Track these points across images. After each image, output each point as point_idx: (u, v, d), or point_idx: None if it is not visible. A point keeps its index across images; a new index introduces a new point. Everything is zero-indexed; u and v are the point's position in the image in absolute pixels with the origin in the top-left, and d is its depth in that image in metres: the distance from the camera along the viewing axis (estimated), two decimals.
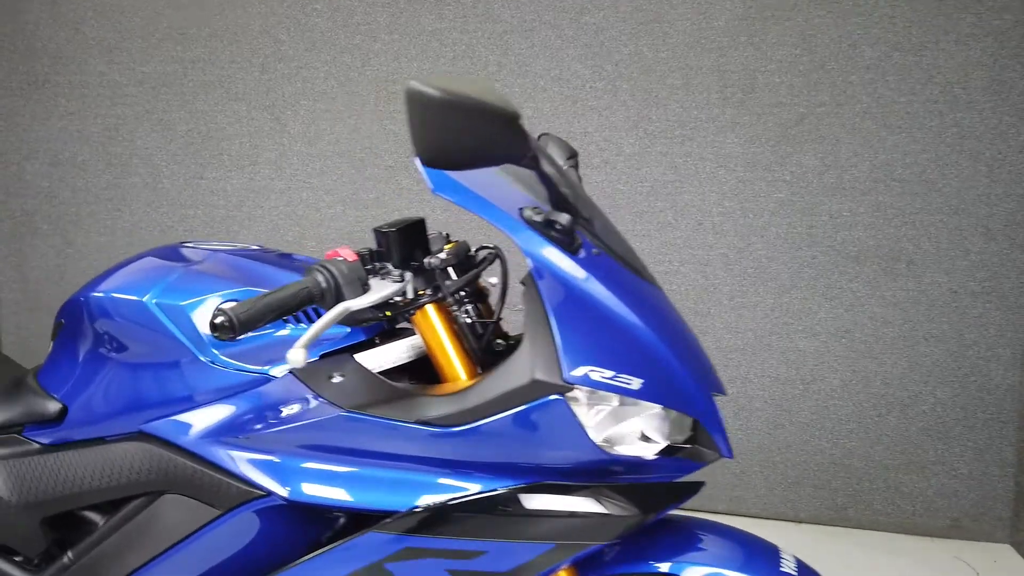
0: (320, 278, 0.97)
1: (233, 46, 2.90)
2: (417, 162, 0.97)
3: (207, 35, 2.91)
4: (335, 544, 0.97)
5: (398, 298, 1.04)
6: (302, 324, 1.12)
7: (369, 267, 1.04)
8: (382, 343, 1.13)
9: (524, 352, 0.94)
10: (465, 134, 0.87)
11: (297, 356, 0.91)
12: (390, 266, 1.04)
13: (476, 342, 1.07)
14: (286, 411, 1.01)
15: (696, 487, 1.03)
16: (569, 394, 0.93)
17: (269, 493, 0.98)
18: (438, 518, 0.93)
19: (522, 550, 0.92)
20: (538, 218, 0.98)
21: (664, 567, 1.01)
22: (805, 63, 2.55)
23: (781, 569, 1.02)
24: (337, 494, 0.97)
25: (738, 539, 1.08)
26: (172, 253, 1.21)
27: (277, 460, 0.99)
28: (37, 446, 1.14)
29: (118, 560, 1.07)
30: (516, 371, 0.94)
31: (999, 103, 2.45)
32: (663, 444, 1.00)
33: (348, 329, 1.11)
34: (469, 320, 1.08)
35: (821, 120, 2.57)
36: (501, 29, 2.72)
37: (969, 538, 2.62)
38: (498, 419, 0.93)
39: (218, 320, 0.88)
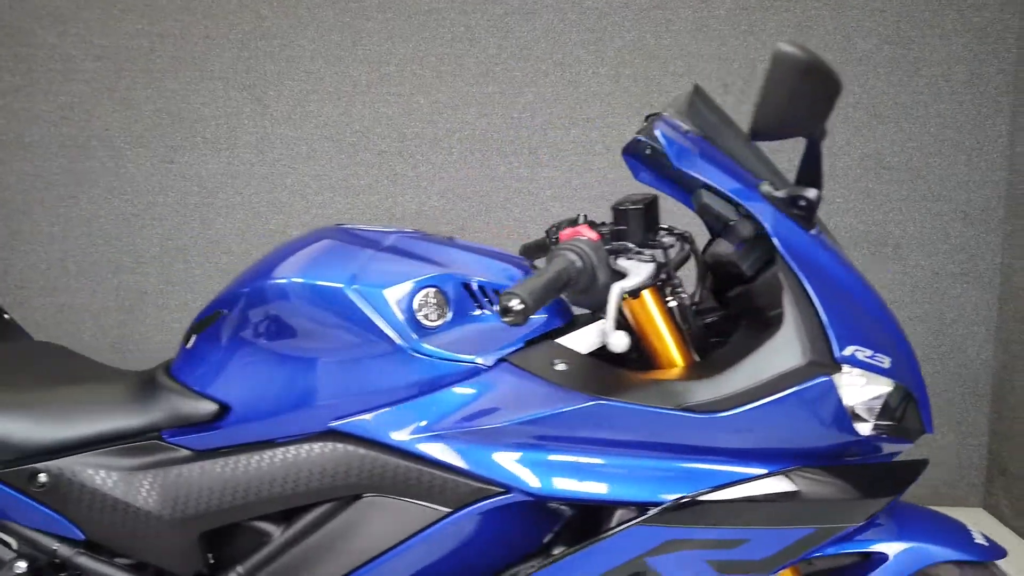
0: (573, 257, 0.91)
1: (208, 20, 2.69)
2: (660, 134, 0.93)
3: (178, 8, 2.69)
4: (595, 540, 0.91)
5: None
6: (496, 308, 1.03)
7: (609, 247, 0.98)
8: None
9: (789, 333, 0.92)
10: (808, 100, 0.85)
11: (621, 340, 0.86)
12: (630, 245, 0.98)
13: (686, 326, 1.04)
14: (514, 402, 0.94)
15: (922, 465, 1.04)
16: (835, 375, 0.92)
17: (509, 489, 0.91)
18: (701, 508, 0.90)
19: (784, 536, 0.90)
20: (779, 194, 0.96)
21: (875, 546, 1.01)
22: None
23: (976, 542, 1.05)
24: (592, 487, 0.91)
25: (926, 516, 1.10)
26: (346, 236, 1.10)
27: (520, 454, 0.92)
28: (187, 452, 1.00)
29: (309, 571, 0.96)
30: (783, 353, 0.91)
31: (977, 95, 2.61)
32: (872, 423, 1.00)
33: (545, 316, 1.04)
34: (676, 304, 1.04)
35: None
36: (501, 11, 2.66)
37: (946, 504, 2.80)
38: (767, 402, 0.90)
39: (512, 304, 0.81)
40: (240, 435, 0.98)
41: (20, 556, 1.01)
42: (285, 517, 0.99)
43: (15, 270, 2.81)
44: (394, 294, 0.97)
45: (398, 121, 2.73)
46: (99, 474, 0.99)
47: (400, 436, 0.94)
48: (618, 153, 2.72)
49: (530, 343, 1.01)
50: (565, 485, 0.91)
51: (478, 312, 1.02)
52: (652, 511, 0.90)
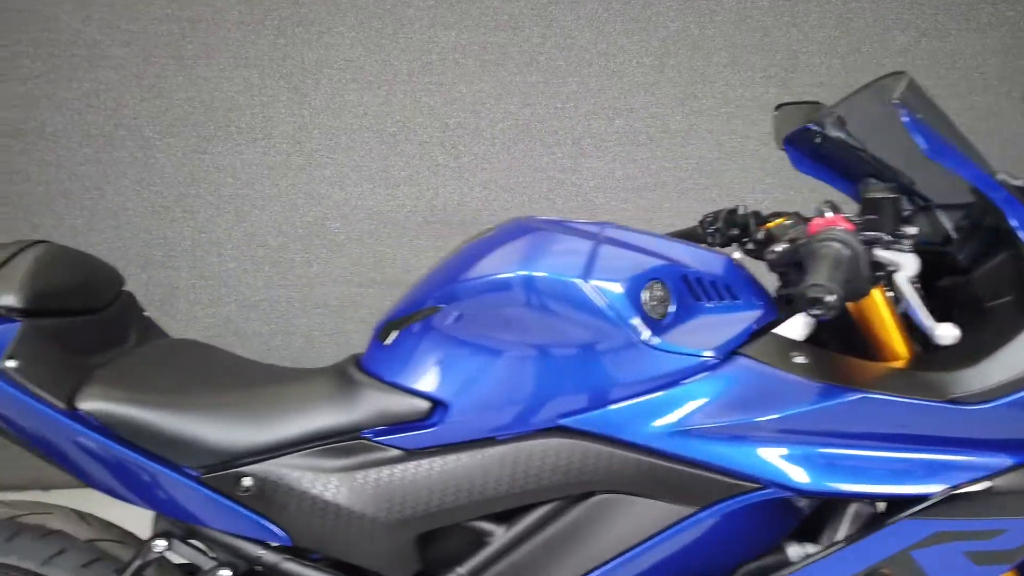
0: (838, 247, 0.89)
1: (243, 5, 2.60)
2: (908, 121, 0.93)
3: None
4: (864, 534, 0.90)
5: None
6: (725, 300, 1.02)
7: (862, 236, 0.97)
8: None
9: None
10: None
11: (950, 332, 0.85)
12: (884, 235, 0.96)
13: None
14: (762, 397, 0.92)
15: None
16: None
17: (765, 485, 0.89)
18: (966, 499, 0.89)
19: None
20: (1017, 183, 0.97)
21: None
22: (843, 45, 2.67)
23: None
24: (867, 481, 0.90)
25: None
26: (558, 227, 1.06)
27: (784, 450, 0.90)
28: (397, 452, 0.96)
29: (536, 572, 0.93)
30: None
31: (1012, 87, 2.68)
32: None
33: (762, 307, 1.03)
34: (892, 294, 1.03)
35: None
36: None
37: None
38: None
39: (828, 298, 0.79)
40: (457, 433, 0.95)
41: (222, 564, 0.96)
42: (505, 516, 0.96)
43: None
44: (628, 287, 0.95)
45: (440, 111, 2.68)
46: (306, 476, 0.94)
47: (640, 432, 0.91)
48: (662, 144, 2.74)
49: (752, 336, 0.99)
50: (838, 480, 0.90)
51: (700, 304, 1.00)
52: (922, 504, 0.89)
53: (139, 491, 0.96)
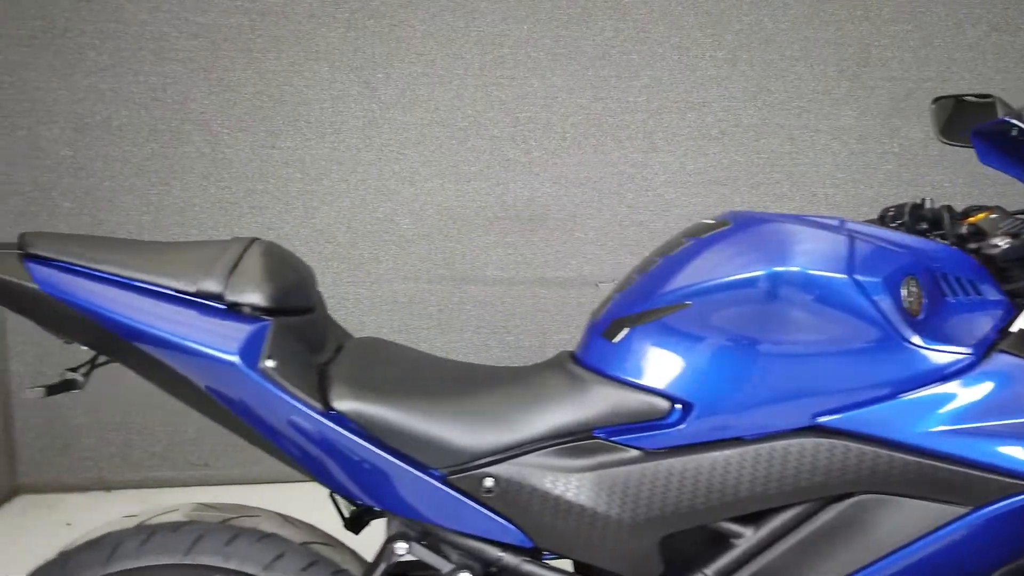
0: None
1: None
2: None
3: None
4: None
5: None
6: (969, 295, 1.00)
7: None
8: None
9: None
10: None
11: None
12: None
13: None
14: None
15: None
16: None
17: None
18: None
19: None
20: None
21: None
22: (915, 39, 2.67)
23: None
24: None
25: None
26: (798, 222, 1.03)
27: None
28: (637, 451, 0.94)
29: (790, 574, 0.91)
30: None
31: None
32: None
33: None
34: None
35: (928, 95, 2.69)
36: None
37: None
38: None
39: None
40: (701, 433, 0.93)
41: (461, 567, 0.94)
42: (752, 517, 0.94)
43: None
44: (889, 283, 0.93)
45: (511, 105, 2.66)
46: (546, 476, 0.92)
47: (908, 431, 0.89)
48: (734, 137, 2.73)
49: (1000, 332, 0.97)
50: None
51: (946, 300, 0.98)
52: None
53: (382, 491, 0.93)
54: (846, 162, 2.71)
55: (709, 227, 1.04)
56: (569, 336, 2.75)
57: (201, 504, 1.04)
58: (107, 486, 2.74)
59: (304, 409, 0.91)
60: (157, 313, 0.90)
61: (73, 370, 0.99)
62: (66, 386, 1.00)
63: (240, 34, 2.57)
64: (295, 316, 0.99)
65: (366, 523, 1.19)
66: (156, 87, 2.58)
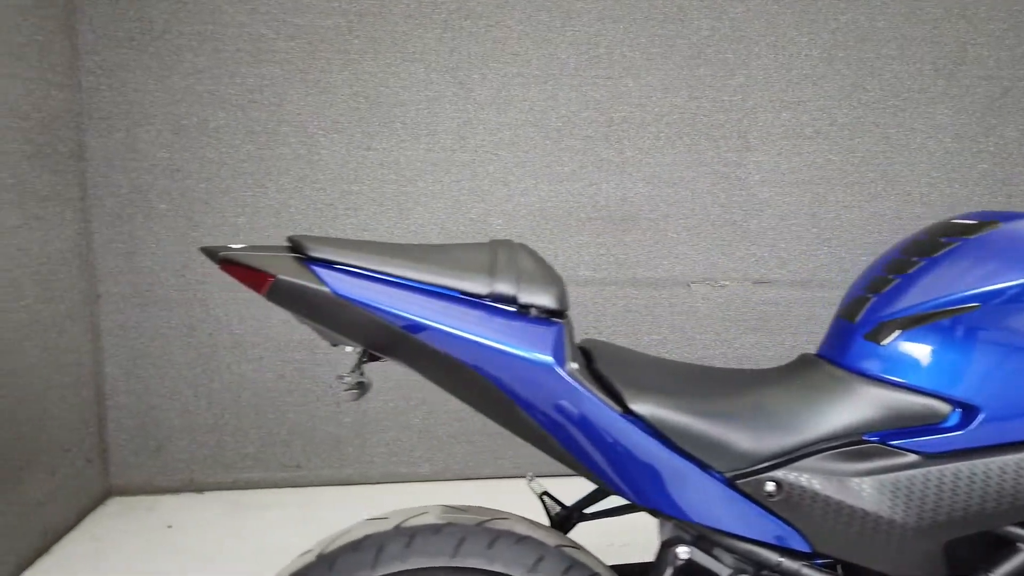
0: None
1: None
2: None
3: None
4: None
5: None
6: None
7: None
8: None
9: None
10: None
11: None
12: None
13: None
14: None
15: None
16: None
17: None
18: None
19: None
20: None
21: None
22: (1011, 38, 2.65)
23: None
24: None
25: None
26: None
27: None
28: (914, 456, 0.93)
29: None
30: None
31: None
32: None
33: None
34: None
35: (1023, 93, 2.68)
36: None
37: None
38: None
39: None
40: (985, 436, 0.91)
41: (737, 571, 0.93)
42: None
43: (195, 263, 2.64)
44: None
45: (605, 105, 2.65)
46: (825, 480, 0.92)
47: None
48: (829, 136, 2.72)
49: None
50: None
51: None
52: None
53: (666, 494, 0.92)
54: (941, 161, 2.70)
55: (969, 227, 1.02)
56: (660, 337, 2.75)
57: (447, 506, 1.03)
58: (199, 488, 2.74)
59: (606, 410, 0.90)
60: (454, 314, 0.89)
61: (344, 376, 0.97)
62: (361, 388, 0.99)
63: (337, 35, 2.57)
64: (565, 319, 0.98)
65: (572, 525, 1.19)
66: (253, 89, 2.58)
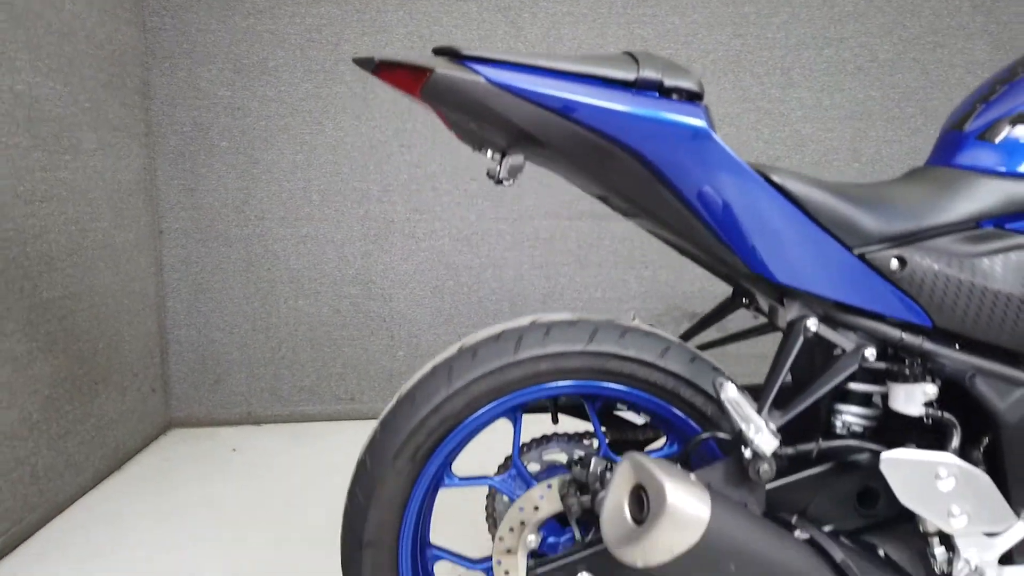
0: None
1: None
2: None
3: None
4: None
5: None
6: None
7: None
8: None
9: None
10: None
11: None
12: None
13: None
14: None
15: None
16: None
17: None
18: None
19: None
20: None
21: None
22: None
23: None
24: None
25: None
26: None
27: None
28: None
29: None
30: None
31: None
32: None
33: None
34: None
35: None
36: None
37: None
38: None
39: None
40: None
41: (863, 344, 0.99)
42: None
43: (255, 200, 2.72)
44: None
45: (652, 43, 2.72)
46: (948, 259, 0.98)
47: None
48: (870, 72, 2.77)
49: None
50: None
51: None
52: None
53: (803, 265, 0.98)
54: None
55: None
56: (703, 271, 2.81)
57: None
58: (256, 420, 2.81)
59: (753, 177, 0.96)
60: (606, 96, 0.95)
61: (494, 174, 1.03)
62: (511, 173, 1.05)
63: None
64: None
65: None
66: (312, 28, 2.66)
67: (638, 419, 1.22)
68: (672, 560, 0.85)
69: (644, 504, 0.87)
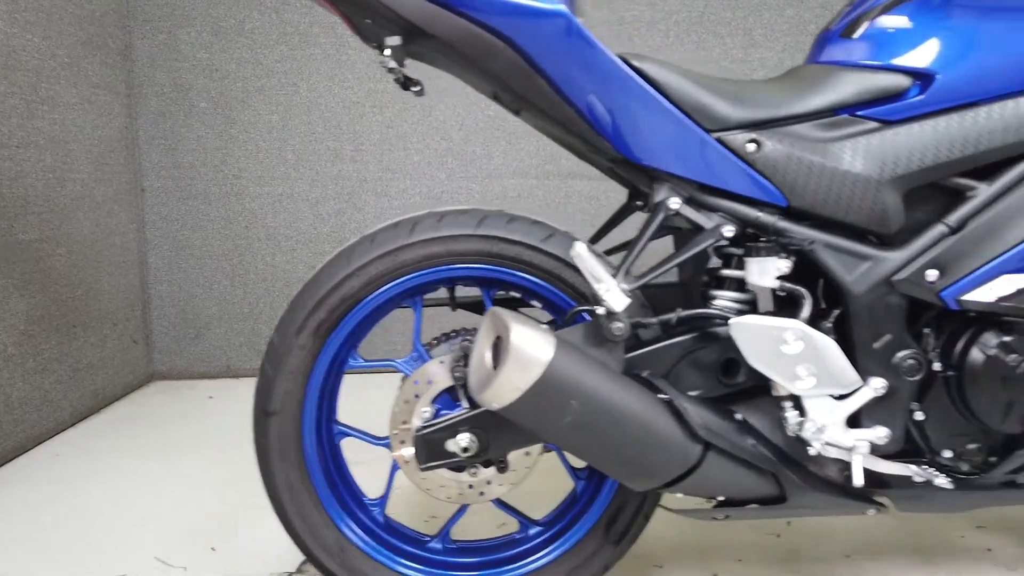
0: None
1: None
2: None
3: None
4: None
5: None
6: None
7: None
8: None
9: None
10: None
11: None
12: None
13: None
14: None
15: None
16: None
17: None
18: None
19: None
20: None
21: None
22: None
23: None
24: None
25: None
26: None
27: None
28: (876, 123, 1.06)
29: (1016, 219, 1.03)
30: None
31: None
32: None
33: None
34: None
35: None
36: None
37: None
38: None
39: None
40: (940, 101, 1.04)
41: (723, 223, 1.06)
42: (987, 173, 1.05)
43: (232, 159, 2.82)
44: None
45: (618, 4, 2.79)
46: (802, 143, 1.05)
47: None
48: None
49: None
50: None
51: None
52: None
53: (663, 148, 1.05)
54: None
55: None
56: None
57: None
58: (235, 374, 2.91)
59: (614, 60, 1.04)
60: None
61: (389, 68, 1.11)
62: (413, 83, 1.15)
63: None
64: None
65: None
66: None
67: (544, 316, 1.30)
68: (520, 399, 0.93)
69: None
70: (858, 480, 1.04)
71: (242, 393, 2.72)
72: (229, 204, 2.85)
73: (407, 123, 2.83)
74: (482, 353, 0.97)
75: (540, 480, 1.80)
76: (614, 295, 0.99)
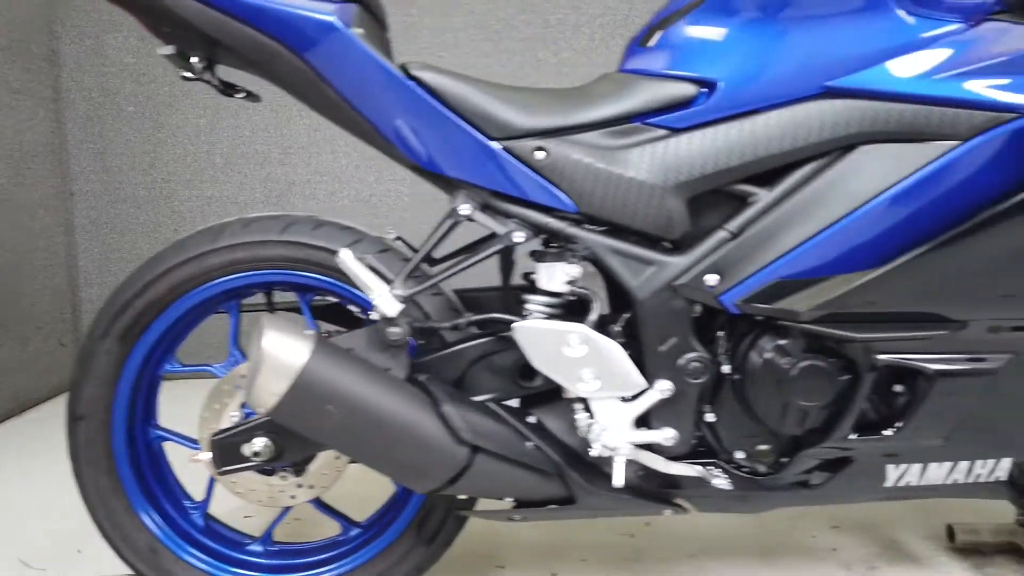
0: None
1: None
2: None
3: None
4: None
5: None
6: None
7: None
8: None
9: None
10: None
11: None
12: None
13: None
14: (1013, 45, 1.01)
15: None
16: None
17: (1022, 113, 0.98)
18: None
19: None
20: None
21: None
22: None
23: None
24: None
25: None
26: None
27: None
28: (665, 131, 1.07)
29: (799, 222, 1.03)
30: None
31: None
32: None
33: None
34: None
35: None
36: None
37: None
38: None
39: None
40: (723, 108, 1.04)
41: (514, 229, 1.07)
42: (768, 179, 1.06)
43: (161, 163, 2.84)
44: None
45: (541, 8, 2.80)
46: (590, 151, 1.05)
47: (905, 83, 1.00)
48: None
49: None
50: None
51: None
52: None
53: (452, 157, 1.06)
54: None
55: None
56: None
57: None
58: (168, 377, 2.92)
59: (388, 70, 1.04)
60: None
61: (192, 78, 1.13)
62: (227, 88, 1.17)
63: None
64: (376, 20, 1.13)
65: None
66: None
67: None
68: (280, 403, 0.94)
69: None
70: (618, 480, 1.04)
71: (167, 396, 2.73)
72: (158, 207, 2.87)
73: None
74: (253, 358, 0.98)
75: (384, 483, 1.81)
76: (385, 301, 1.00)
